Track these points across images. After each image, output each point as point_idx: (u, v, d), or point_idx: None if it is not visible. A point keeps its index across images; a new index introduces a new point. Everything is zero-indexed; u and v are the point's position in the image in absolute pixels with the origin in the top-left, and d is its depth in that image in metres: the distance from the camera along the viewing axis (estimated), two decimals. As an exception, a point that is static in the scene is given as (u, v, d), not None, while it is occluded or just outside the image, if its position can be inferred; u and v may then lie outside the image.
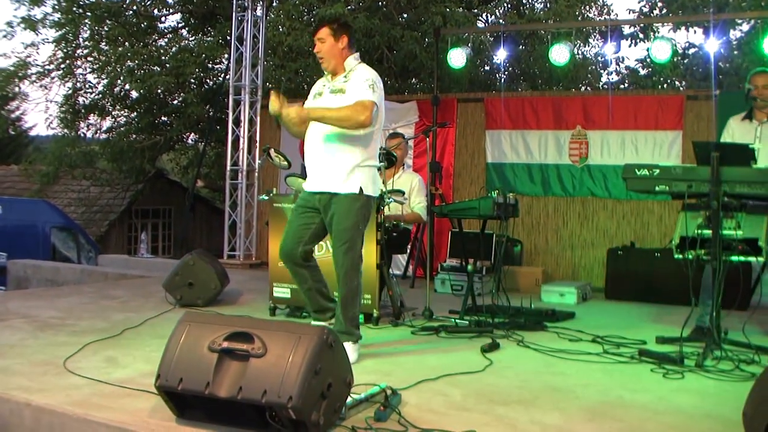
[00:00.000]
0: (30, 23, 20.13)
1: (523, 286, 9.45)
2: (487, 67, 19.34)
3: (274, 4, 18.32)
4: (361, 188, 5.29)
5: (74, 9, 20.07)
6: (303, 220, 5.50)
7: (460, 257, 9.17)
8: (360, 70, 5.43)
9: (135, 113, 21.79)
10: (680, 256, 5.67)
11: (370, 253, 6.69)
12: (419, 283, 9.30)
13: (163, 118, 22.18)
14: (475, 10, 19.37)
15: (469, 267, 7.43)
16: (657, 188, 5.66)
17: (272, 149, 7.59)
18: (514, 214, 7.46)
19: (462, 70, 11.25)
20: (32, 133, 37.27)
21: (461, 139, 11.29)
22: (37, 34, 20.52)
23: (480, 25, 19.90)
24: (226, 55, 18.65)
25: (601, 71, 21.96)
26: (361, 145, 5.34)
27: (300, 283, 5.68)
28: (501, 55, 10.66)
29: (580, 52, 19.39)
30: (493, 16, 20.99)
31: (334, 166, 5.32)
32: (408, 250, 9.58)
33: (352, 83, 5.35)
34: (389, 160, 7.35)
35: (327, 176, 5.35)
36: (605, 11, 21.89)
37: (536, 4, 20.75)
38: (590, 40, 20.63)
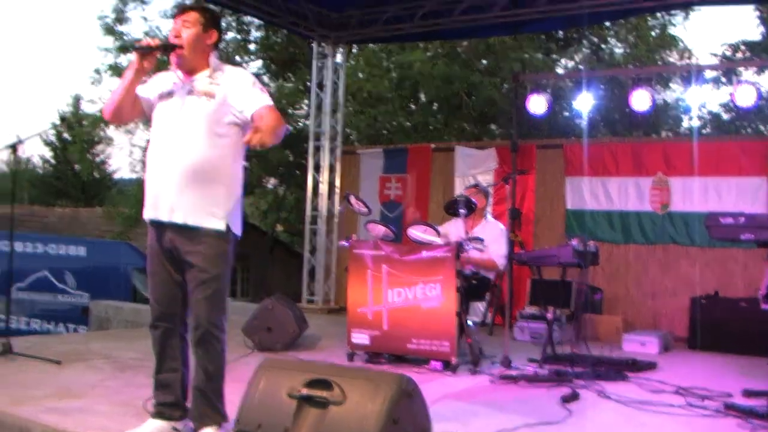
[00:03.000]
0: (117, 70, 20.74)
1: (604, 335, 9.31)
2: (566, 113, 19.32)
3: (354, 50, 18.57)
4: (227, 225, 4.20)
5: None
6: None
7: (539, 305, 9.10)
8: (233, 71, 4.27)
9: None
10: (768, 306, 5.55)
11: (449, 301, 6.69)
12: (498, 331, 9.24)
13: (243, 162, 22.52)
14: (554, 56, 19.38)
15: (548, 315, 7.37)
16: (743, 236, 5.55)
17: (352, 196, 7.67)
18: (595, 262, 7.40)
19: (541, 116, 11.22)
20: (116, 176, 38.23)
21: (541, 185, 11.23)
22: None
23: (559, 70, 19.89)
24: (306, 101, 18.92)
25: (683, 116, 21.72)
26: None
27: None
28: (580, 100, 10.61)
29: (661, 97, 19.19)
30: (572, 62, 20.95)
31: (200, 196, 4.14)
32: (487, 297, 9.54)
33: (232, 87, 4.13)
34: (469, 208, 7.36)
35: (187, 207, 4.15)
36: (686, 55, 21.71)
37: (616, 48, 20.67)
38: (671, 85, 20.45)
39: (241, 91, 4.13)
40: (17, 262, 13.70)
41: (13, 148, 6.74)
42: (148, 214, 4.24)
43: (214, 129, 4.12)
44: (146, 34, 20.82)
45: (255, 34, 22.39)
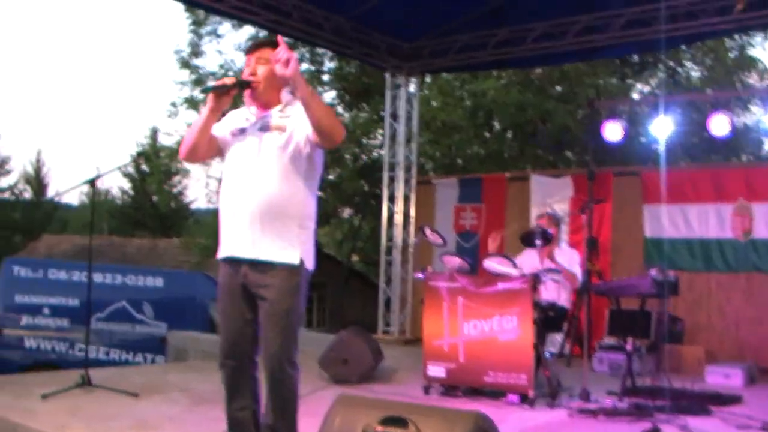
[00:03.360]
0: (192, 103, 21.13)
1: (685, 366, 9.09)
2: (643, 139, 19.04)
3: (427, 80, 18.62)
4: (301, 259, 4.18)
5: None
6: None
7: (618, 335, 8.93)
8: None
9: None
10: None
11: (526, 333, 6.62)
12: (576, 362, 9.09)
13: (318, 192, 22.69)
14: (630, 80, 19.17)
15: (627, 347, 7.24)
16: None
17: (428, 227, 7.66)
18: (674, 292, 7.25)
19: (617, 143, 11.06)
20: (193, 206, 38.88)
21: (618, 213, 11.05)
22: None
23: (635, 95, 19.67)
24: (380, 131, 19.02)
25: (764, 139, 21.25)
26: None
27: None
28: (656, 126, 10.45)
29: (740, 120, 18.83)
30: (647, 86, 20.70)
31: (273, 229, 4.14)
32: (564, 328, 9.41)
33: (296, 119, 4.11)
34: (545, 238, 7.29)
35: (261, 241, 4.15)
36: (766, 77, 21.26)
37: (692, 72, 20.36)
38: (751, 107, 20.04)
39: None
40: (97, 293, 14.00)
41: (92, 182, 6.88)
42: (222, 252, 4.27)
43: (287, 163, 4.13)
44: (221, 67, 21.18)
45: (329, 64, 22.64)
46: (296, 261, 4.13)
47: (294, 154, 4.14)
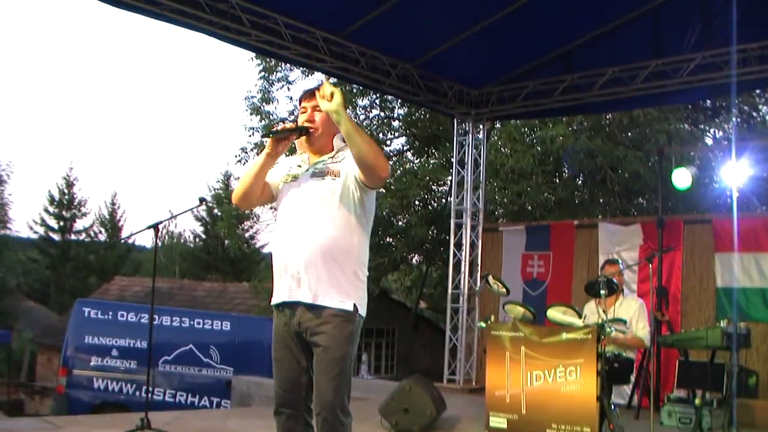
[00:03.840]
0: (263, 148, 21.31)
1: (761, 422, 8.75)
2: (716, 185, 18.70)
3: (498, 125, 18.58)
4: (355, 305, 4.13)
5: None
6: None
7: (688, 388, 8.68)
8: None
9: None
10: None
11: (589, 384, 6.47)
12: (644, 415, 8.84)
13: (388, 239, 22.69)
14: (702, 126, 18.88)
15: (697, 400, 7.02)
16: None
17: (491, 276, 7.59)
18: (746, 345, 7.04)
19: (688, 190, 10.86)
20: (264, 251, 39.18)
21: (688, 262, 10.81)
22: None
23: (708, 140, 19.34)
24: (449, 177, 18.98)
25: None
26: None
27: None
28: (729, 172, 10.24)
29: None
30: (721, 131, 20.33)
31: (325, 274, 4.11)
32: (632, 379, 9.19)
33: (347, 162, 4.11)
34: (610, 288, 7.14)
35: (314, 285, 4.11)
36: None
37: (768, 116, 19.97)
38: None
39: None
40: (164, 335, 14.25)
41: (155, 227, 6.95)
42: (276, 298, 4.22)
43: (340, 208, 4.11)
44: (290, 113, 21.38)
45: (398, 110, 22.73)
46: (350, 307, 4.07)
47: (347, 199, 4.12)
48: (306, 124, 4.24)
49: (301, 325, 4.12)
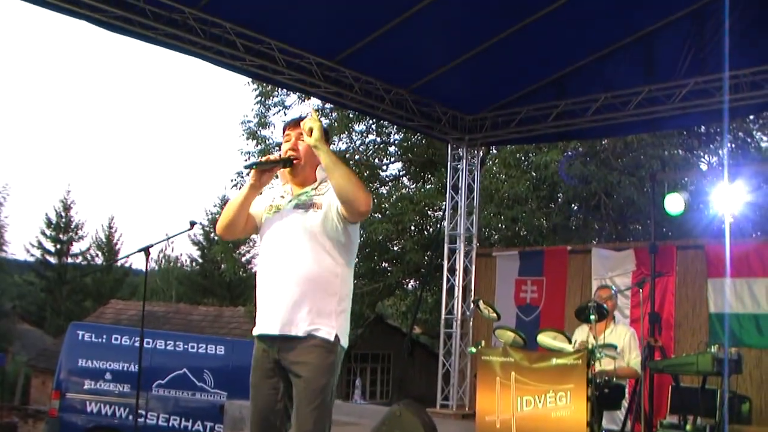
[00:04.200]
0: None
1: (753, 448, 8.78)
2: (709, 211, 18.66)
3: (493, 150, 18.62)
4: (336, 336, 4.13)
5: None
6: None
7: (680, 414, 8.66)
8: None
9: (357, 259, 22.38)
10: None
11: (579, 410, 6.46)
12: (637, 440, 8.83)
13: (383, 264, 22.67)
14: (696, 152, 18.93)
15: (688, 426, 7.02)
16: None
17: (481, 301, 7.59)
18: (737, 371, 7.03)
19: (680, 215, 10.87)
20: (261, 275, 39.14)
21: (681, 288, 10.81)
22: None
23: (703, 166, 19.38)
24: (444, 202, 19.02)
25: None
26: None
27: None
28: (722, 198, 10.25)
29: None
30: (715, 158, 20.39)
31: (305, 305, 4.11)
32: (626, 405, 9.16)
33: (329, 195, 4.11)
34: (600, 313, 7.15)
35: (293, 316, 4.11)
36: None
37: (762, 142, 20.02)
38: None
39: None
40: (158, 359, 14.21)
41: (146, 250, 6.97)
42: (258, 329, 4.22)
43: (323, 240, 4.12)
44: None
45: (395, 136, 22.77)
46: (332, 337, 4.08)
47: (329, 231, 4.13)
48: (290, 154, 4.26)
49: (280, 353, 4.12)
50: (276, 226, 4.24)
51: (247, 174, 4.69)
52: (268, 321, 4.15)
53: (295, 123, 4.30)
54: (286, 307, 4.07)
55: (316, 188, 4.23)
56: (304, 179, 4.28)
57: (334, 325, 4.10)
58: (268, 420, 4.19)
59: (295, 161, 4.24)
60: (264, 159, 4.32)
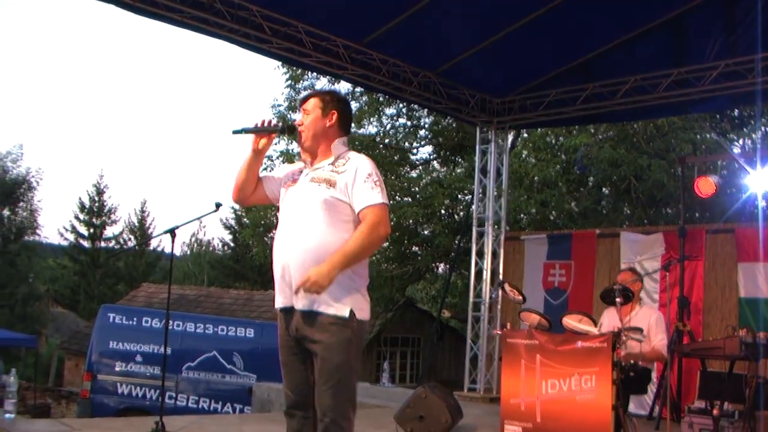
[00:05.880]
0: (288, 157, 21.39)
1: (781, 433, 8.67)
2: (742, 195, 18.50)
3: (524, 134, 18.52)
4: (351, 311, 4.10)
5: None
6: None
7: (708, 399, 8.59)
8: (355, 160, 4.20)
9: (386, 243, 22.42)
10: None
11: (604, 394, 6.42)
12: (665, 425, 8.77)
13: (413, 248, 22.65)
14: (729, 135, 18.72)
15: (714, 411, 6.95)
16: None
17: (507, 283, 7.55)
18: (766, 355, 6.94)
19: (710, 199, 10.77)
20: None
21: (711, 272, 10.69)
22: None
23: (736, 149, 19.16)
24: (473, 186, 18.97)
25: None
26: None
27: None
28: (754, 181, 10.13)
29: None
30: (750, 140, 20.16)
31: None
32: (653, 390, 9.11)
33: (346, 177, 4.11)
34: (626, 296, 7.09)
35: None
36: None
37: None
38: None
39: (355, 186, 4.10)
40: (188, 342, 14.31)
41: (171, 232, 6.99)
42: (277, 302, 4.23)
43: (334, 215, 4.10)
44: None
45: (425, 119, 22.72)
46: (346, 314, 4.05)
47: (341, 207, 4.12)
48: (294, 124, 4.34)
49: (298, 332, 4.13)
50: (290, 198, 4.26)
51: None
52: (283, 294, 4.17)
53: (304, 99, 4.40)
54: (296, 279, 4.04)
55: (333, 163, 4.21)
56: (314, 152, 4.28)
57: (347, 301, 4.06)
58: (302, 394, 4.20)
59: (298, 130, 4.28)
60: (259, 125, 4.34)
